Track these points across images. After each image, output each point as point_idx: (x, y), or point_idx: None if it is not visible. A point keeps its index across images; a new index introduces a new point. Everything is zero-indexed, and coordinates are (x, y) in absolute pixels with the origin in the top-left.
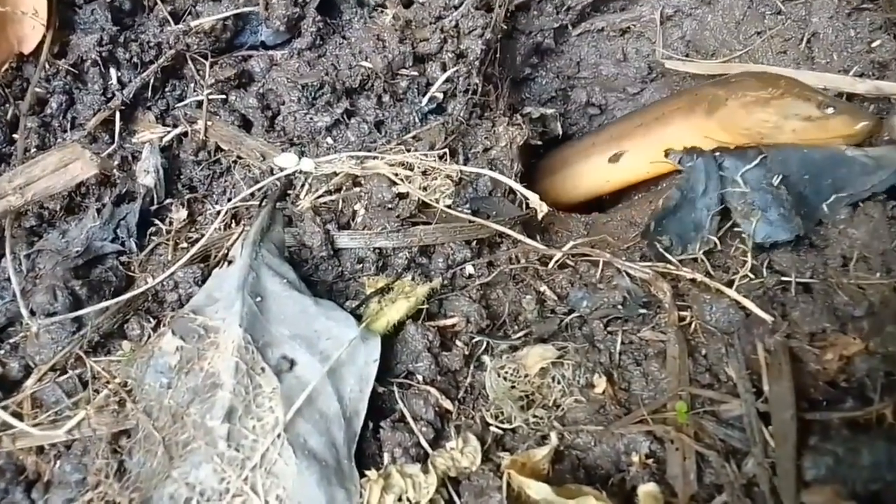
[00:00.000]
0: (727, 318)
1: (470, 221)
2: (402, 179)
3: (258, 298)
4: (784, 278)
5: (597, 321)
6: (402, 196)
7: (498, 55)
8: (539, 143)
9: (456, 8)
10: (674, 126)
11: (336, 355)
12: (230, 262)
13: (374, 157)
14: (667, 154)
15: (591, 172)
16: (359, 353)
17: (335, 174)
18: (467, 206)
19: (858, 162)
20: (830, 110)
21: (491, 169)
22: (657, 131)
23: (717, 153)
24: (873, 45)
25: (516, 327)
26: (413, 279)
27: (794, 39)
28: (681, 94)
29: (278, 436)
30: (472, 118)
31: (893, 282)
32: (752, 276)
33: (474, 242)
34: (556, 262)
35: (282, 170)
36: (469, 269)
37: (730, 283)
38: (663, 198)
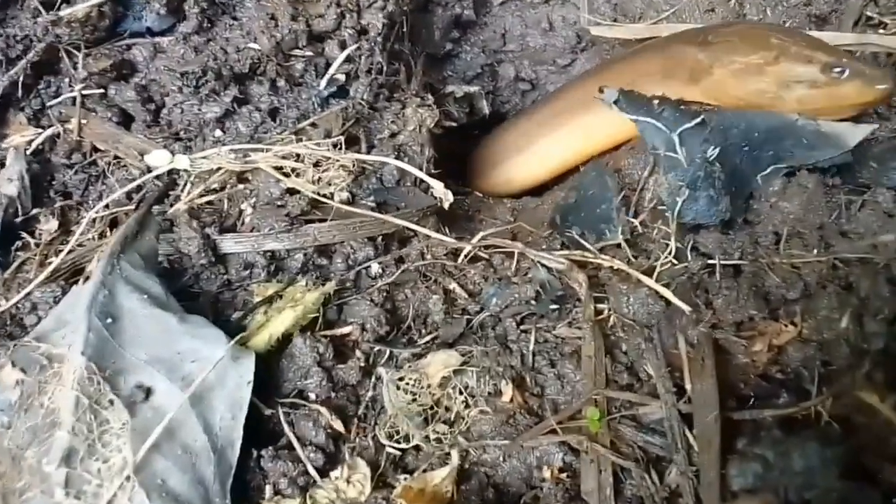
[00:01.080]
0: (646, 310)
1: (376, 216)
2: (290, 173)
3: (109, 320)
4: (710, 261)
5: (510, 319)
6: (292, 192)
7: (408, 30)
8: (453, 124)
9: None
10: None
11: (199, 379)
12: (87, 279)
13: (260, 150)
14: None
15: (558, 146)
16: (229, 375)
17: (216, 170)
18: (371, 198)
19: (808, 133)
20: (839, 72)
21: (397, 156)
22: None
23: (657, 101)
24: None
25: (424, 331)
26: (308, 284)
27: None
28: (646, 54)
29: (127, 478)
30: (380, 100)
31: (832, 258)
32: (675, 261)
33: (380, 238)
34: (466, 255)
35: (151, 169)
36: (375, 268)
37: (651, 270)
38: (560, 197)
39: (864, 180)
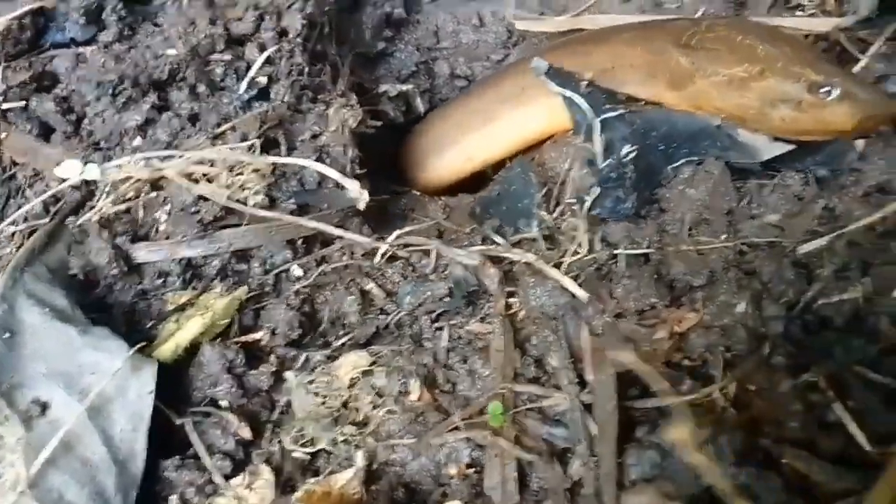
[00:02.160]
0: (553, 302)
1: (291, 220)
2: (200, 179)
3: (7, 334)
4: (618, 251)
5: (425, 317)
6: (205, 198)
7: (334, 30)
8: (377, 123)
9: None
10: (629, 87)
11: (96, 392)
12: None
13: (172, 157)
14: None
15: (487, 140)
16: (130, 386)
17: (128, 180)
18: (291, 200)
19: (724, 137)
20: (829, 92)
21: (319, 157)
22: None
23: (586, 82)
24: None
25: (341, 333)
26: (222, 291)
27: None
28: (629, 40)
29: (21, 493)
30: (303, 102)
31: (739, 243)
32: (583, 252)
33: (300, 241)
34: (383, 255)
35: (63, 181)
36: (296, 270)
37: (560, 263)
38: (484, 190)
39: (775, 164)
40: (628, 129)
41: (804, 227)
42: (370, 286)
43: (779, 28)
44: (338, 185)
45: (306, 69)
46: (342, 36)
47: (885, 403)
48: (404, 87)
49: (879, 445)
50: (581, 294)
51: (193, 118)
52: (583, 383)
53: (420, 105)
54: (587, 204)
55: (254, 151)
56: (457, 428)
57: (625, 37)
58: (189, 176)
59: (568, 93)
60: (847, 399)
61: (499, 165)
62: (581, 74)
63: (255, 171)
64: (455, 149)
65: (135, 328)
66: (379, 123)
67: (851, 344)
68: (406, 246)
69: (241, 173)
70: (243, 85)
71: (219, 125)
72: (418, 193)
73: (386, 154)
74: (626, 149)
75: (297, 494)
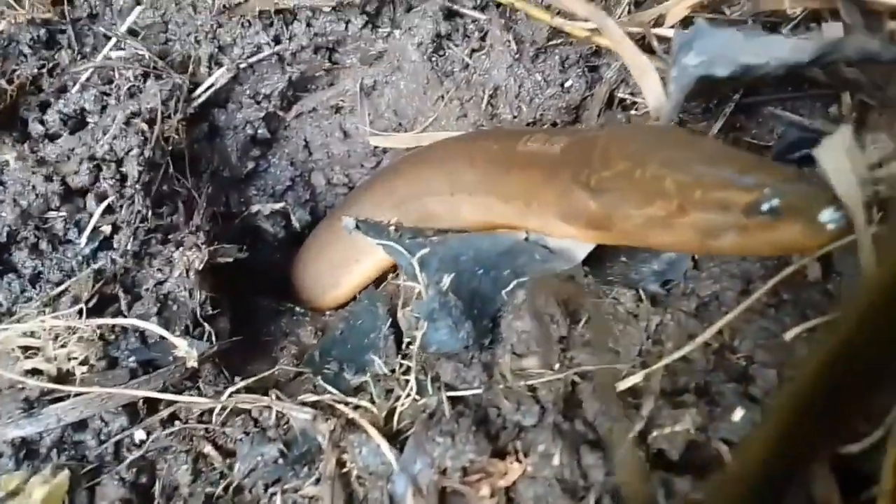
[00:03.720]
0: (380, 460)
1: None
2: (21, 355)
3: None
4: (450, 394)
5: (260, 483)
6: (33, 372)
7: (186, 165)
8: (228, 260)
9: (106, 131)
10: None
11: None
12: None
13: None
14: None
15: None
16: None
17: None
18: (132, 358)
19: (539, 249)
20: (769, 212)
21: (162, 307)
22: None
23: (394, 227)
24: (566, 85)
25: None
26: (51, 472)
27: (476, 99)
28: (535, 173)
29: None
30: (153, 245)
31: (571, 373)
32: (417, 397)
33: (141, 403)
34: (218, 414)
35: None
36: (139, 435)
37: (392, 412)
38: (327, 333)
39: (611, 276)
40: (437, 260)
41: (638, 349)
42: (207, 448)
43: (673, 130)
44: (186, 333)
45: (150, 214)
46: (200, 165)
47: None
48: (276, 206)
49: None
50: (392, 456)
51: (35, 278)
52: None
53: (296, 221)
54: (418, 341)
55: (82, 315)
56: None
57: (529, 169)
58: (11, 351)
59: (382, 242)
60: None
61: None
62: (388, 220)
63: (80, 339)
64: (347, 274)
65: None
66: (228, 260)
67: (671, 484)
68: (245, 402)
69: (65, 343)
70: (83, 238)
71: (59, 284)
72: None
73: (272, 268)
74: (444, 279)
75: None
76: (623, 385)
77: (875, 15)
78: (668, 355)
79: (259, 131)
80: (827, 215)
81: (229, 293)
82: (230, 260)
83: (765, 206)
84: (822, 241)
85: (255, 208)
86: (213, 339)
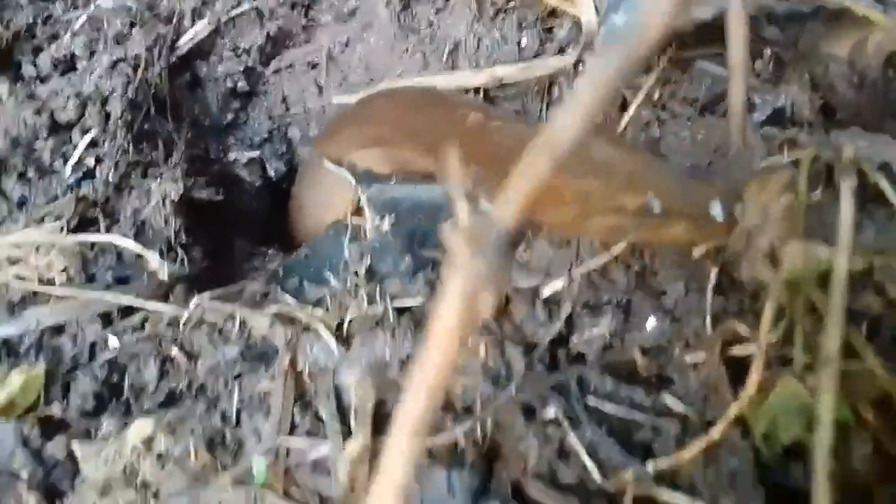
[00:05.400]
0: (329, 357)
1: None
2: (11, 262)
3: None
4: (395, 304)
5: (221, 379)
6: (15, 279)
7: (168, 109)
8: (203, 195)
9: (93, 73)
10: None
11: None
12: None
13: None
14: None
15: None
16: None
17: None
18: (108, 273)
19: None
20: (657, 211)
21: (138, 231)
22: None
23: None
24: (522, 43)
25: (142, 400)
26: (29, 366)
27: (438, 53)
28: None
29: None
30: (132, 179)
31: (505, 291)
32: (363, 309)
33: (116, 313)
34: (187, 322)
35: None
36: (112, 342)
37: (342, 322)
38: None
39: None
40: (381, 203)
41: (567, 269)
42: (174, 352)
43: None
44: (162, 256)
45: (131, 148)
46: (181, 111)
47: (616, 435)
48: (254, 154)
49: (612, 474)
50: (340, 353)
51: (22, 203)
52: (349, 432)
53: (270, 170)
54: (362, 272)
55: (63, 231)
56: (227, 487)
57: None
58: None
59: (337, 170)
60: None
61: None
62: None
63: (62, 250)
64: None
65: None
66: (216, 196)
67: (587, 377)
68: (211, 310)
69: (48, 254)
70: (68, 168)
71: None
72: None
73: (249, 215)
74: (386, 219)
75: None
76: (547, 291)
77: None
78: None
79: (239, 84)
80: (715, 209)
81: (206, 234)
82: (206, 198)
83: (653, 209)
84: (709, 235)
85: (233, 156)
86: (185, 264)
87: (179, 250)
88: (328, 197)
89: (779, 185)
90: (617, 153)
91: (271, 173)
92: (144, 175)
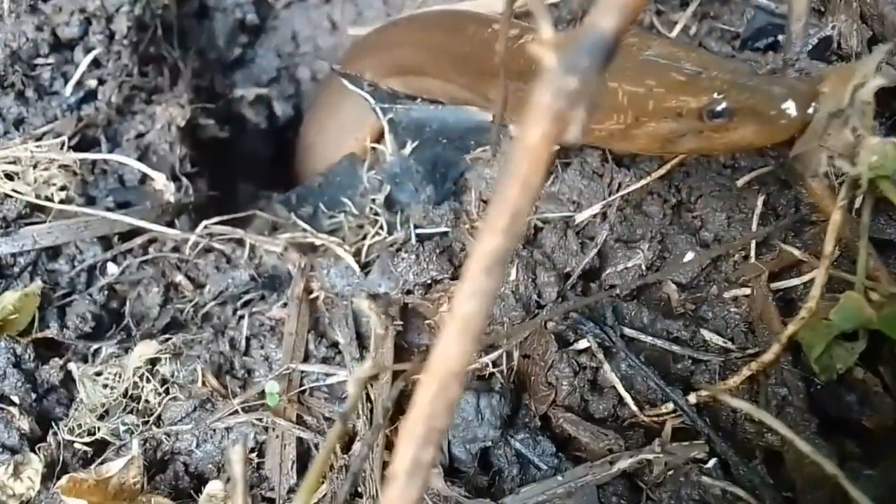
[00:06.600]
0: (346, 282)
1: (99, 214)
2: (6, 177)
3: None
4: (419, 231)
5: (229, 306)
6: (9, 195)
7: (173, 34)
8: (210, 121)
9: None
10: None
11: None
12: None
13: None
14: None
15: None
16: None
17: None
18: (109, 198)
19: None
20: (721, 115)
21: (142, 155)
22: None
23: (368, 83)
24: None
25: (144, 325)
26: (24, 287)
27: None
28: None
29: None
30: (136, 103)
31: (534, 218)
32: (383, 234)
33: (115, 237)
34: (193, 247)
35: None
36: (111, 267)
37: (361, 247)
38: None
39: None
40: (403, 127)
41: (600, 202)
42: (179, 278)
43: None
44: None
45: (135, 70)
46: (188, 41)
47: (654, 367)
48: (261, 91)
49: (648, 407)
50: (360, 272)
51: (18, 122)
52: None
53: (280, 110)
54: (382, 198)
55: (63, 148)
56: (237, 412)
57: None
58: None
59: (356, 90)
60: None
61: None
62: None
63: (62, 167)
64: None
65: None
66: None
67: (622, 308)
68: (218, 236)
69: (47, 170)
70: (69, 88)
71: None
72: None
73: (254, 159)
74: (408, 145)
75: (60, 483)
76: (580, 218)
77: None
78: (625, 204)
79: (248, 16)
80: (789, 106)
81: (210, 172)
82: (211, 134)
83: (718, 110)
84: (774, 138)
85: (238, 93)
86: (190, 192)
87: (184, 179)
88: (346, 122)
89: (866, 70)
90: (678, 51)
91: (278, 113)
92: (149, 101)
